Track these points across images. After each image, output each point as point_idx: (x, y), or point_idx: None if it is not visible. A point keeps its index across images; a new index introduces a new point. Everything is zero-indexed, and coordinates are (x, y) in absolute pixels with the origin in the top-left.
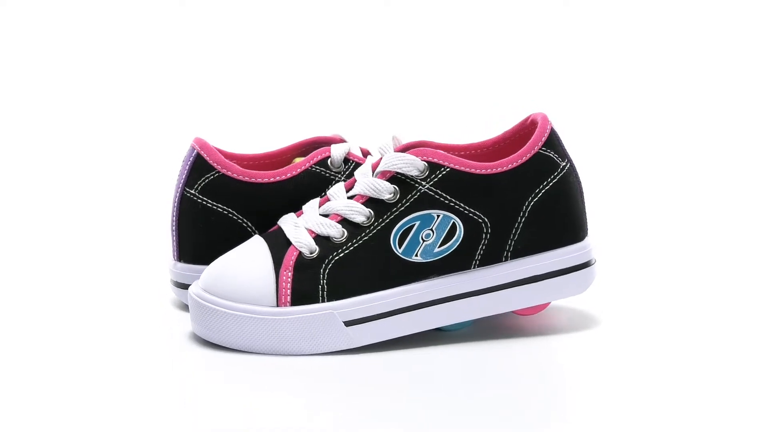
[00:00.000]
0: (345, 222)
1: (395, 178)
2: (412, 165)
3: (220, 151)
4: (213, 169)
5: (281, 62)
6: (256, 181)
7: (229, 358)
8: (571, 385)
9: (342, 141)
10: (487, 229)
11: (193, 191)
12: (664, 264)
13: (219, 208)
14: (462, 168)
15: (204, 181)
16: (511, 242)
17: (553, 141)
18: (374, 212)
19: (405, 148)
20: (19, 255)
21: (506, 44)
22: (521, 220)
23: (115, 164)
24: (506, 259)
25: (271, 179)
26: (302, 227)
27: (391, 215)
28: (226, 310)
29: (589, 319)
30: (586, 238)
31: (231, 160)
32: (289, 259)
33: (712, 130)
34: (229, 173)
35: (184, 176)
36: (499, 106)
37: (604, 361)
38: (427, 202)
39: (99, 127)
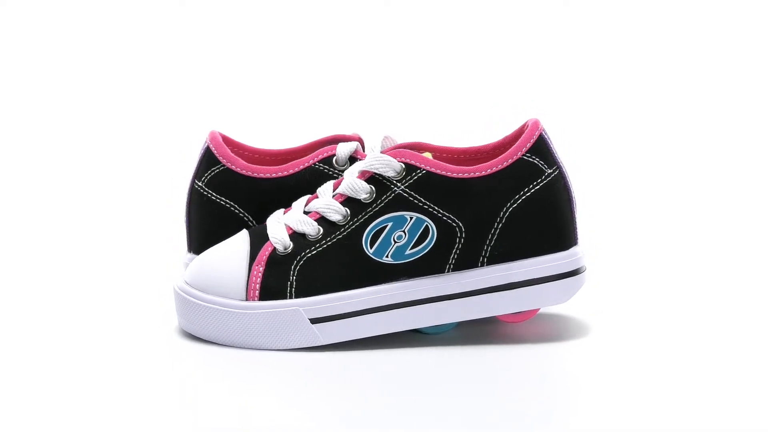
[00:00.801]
0: (322, 220)
1: (373, 179)
2: (388, 166)
3: (240, 146)
4: (219, 162)
5: (318, 63)
6: (259, 176)
7: (222, 352)
8: (552, 393)
9: (358, 140)
10: (461, 234)
11: (201, 183)
12: (659, 270)
13: (222, 201)
14: (438, 171)
15: (210, 174)
16: (487, 247)
17: (540, 147)
18: (351, 212)
19: (395, 149)
20: (45, 244)
21: (527, 46)
22: (498, 225)
23: (145, 156)
24: (482, 265)
25: (273, 175)
26: (282, 223)
27: (365, 215)
28: (201, 302)
29: (580, 327)
30: (574, 247)
31: (253, 155)
32: (263, 254)
33: (714, 136)
34: (233, 167)
35: (195, 168)
36: (519, 108)
37: (586, 370)
38: (401, 203)
39: (143, 118)
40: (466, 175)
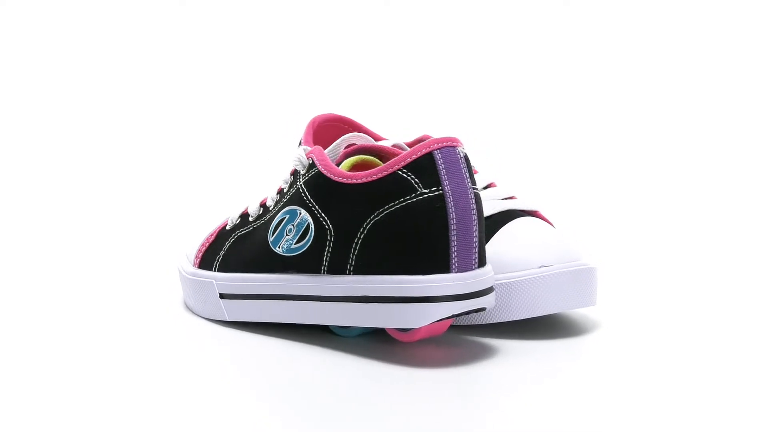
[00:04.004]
0: (265, 204)
1: (295, 171)
2: (299, 160)
3: (359, 128)
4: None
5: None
6: None
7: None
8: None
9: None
10: (330, 237)
11: None
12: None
13: None
14: (325, 172)
15: None
16: (352, 256)
17: (422, 166)
18: (277, 200)
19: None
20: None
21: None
22: (360, 236)
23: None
24: (350, 273)
25: None
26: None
27: (279, 204)
28: (177, 264)
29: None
30: (441, 274)
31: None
32: (219, 227)
33: (712, 139)
34: None
35: None
36: None
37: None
38: (297, 198)
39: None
40: (344, 180)
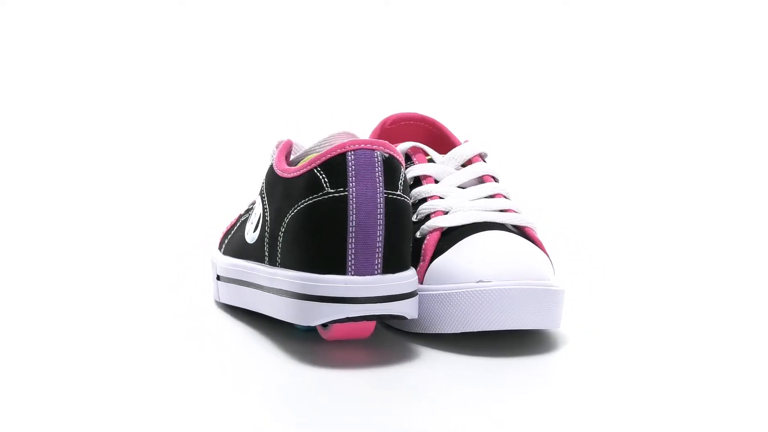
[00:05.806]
0: None
1: None
2: (271, 153)
3: (434, 124)
4: None
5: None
6: None
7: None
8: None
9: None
10: (267, 228)
11: None
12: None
13: None
14: (274, 164)
15: None
16: (279, 249)
17: (335, 166)
18: None
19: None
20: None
21: None
22: (282, 230)
23: None
24: (278, 265)
25: None
26: None
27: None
28: None
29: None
30: (334, 276)
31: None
32: (242, 212)
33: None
34: None
35: None
36: None
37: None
38: (261, 189)
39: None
40: (282, 174)
